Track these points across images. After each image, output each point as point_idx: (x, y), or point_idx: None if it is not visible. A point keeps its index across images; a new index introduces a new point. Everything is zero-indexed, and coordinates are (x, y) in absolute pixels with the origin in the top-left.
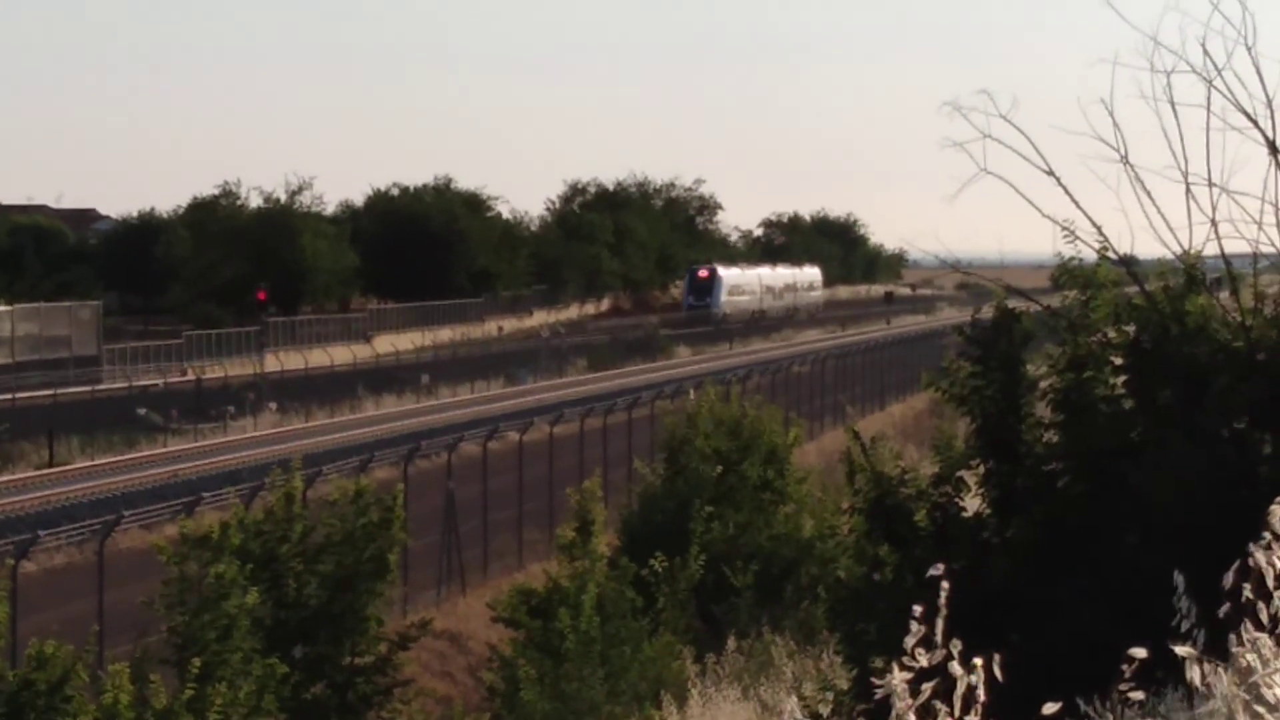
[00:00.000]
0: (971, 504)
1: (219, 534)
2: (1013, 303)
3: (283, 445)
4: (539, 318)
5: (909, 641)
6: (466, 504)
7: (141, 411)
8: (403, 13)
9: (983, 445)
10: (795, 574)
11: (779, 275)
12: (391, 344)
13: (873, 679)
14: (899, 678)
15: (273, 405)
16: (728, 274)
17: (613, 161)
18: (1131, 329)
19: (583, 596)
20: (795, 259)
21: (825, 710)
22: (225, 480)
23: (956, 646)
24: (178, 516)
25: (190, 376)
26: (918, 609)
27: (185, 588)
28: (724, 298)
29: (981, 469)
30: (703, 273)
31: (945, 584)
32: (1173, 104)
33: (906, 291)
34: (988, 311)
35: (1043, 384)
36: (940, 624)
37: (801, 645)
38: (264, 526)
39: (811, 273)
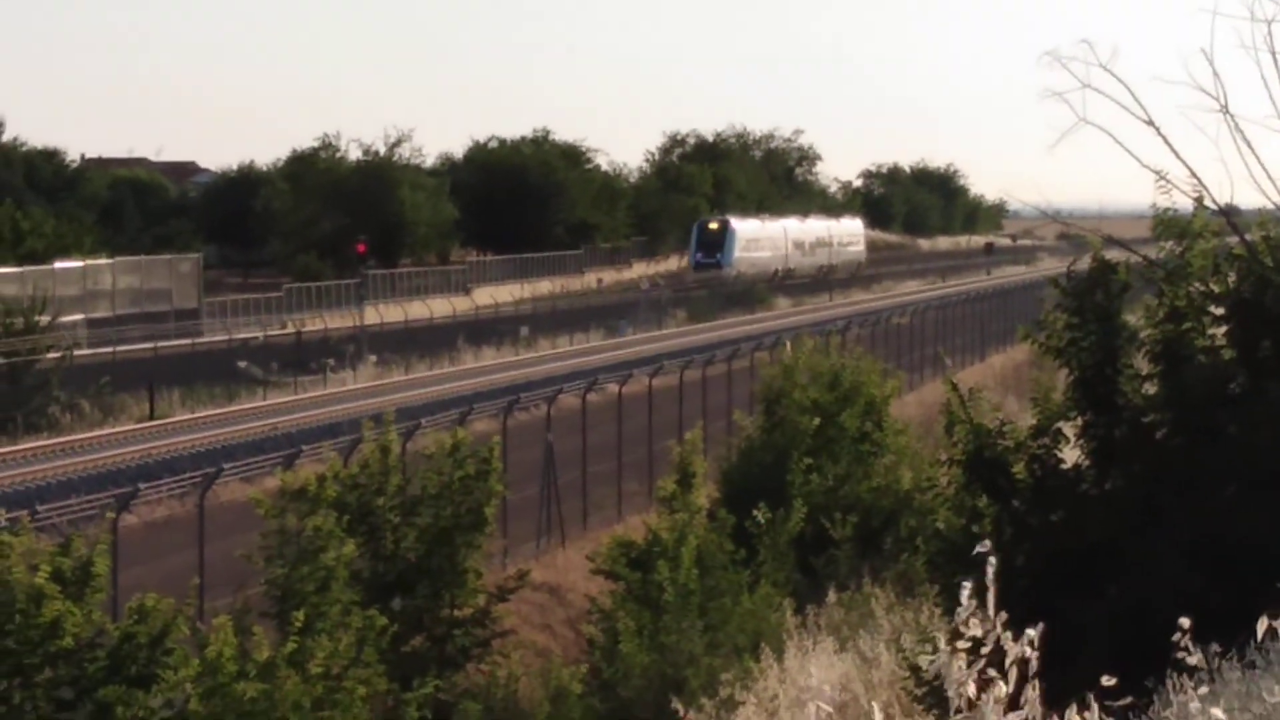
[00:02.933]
0: (1070, 456)
1: (317, 487)
2: (1111, 254)
3: (382, 398)
4: (638, 270)
5: (960, 614)
6: (565, 456)
7: (241, 364)
8: None
9: (1081, 397)
10: (894, 526)
11: (809, 228)
12: (491, 296)
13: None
14: (951, 654)
15: (372, 358)
16: (743, 226)
17: (712, 113)
18: (1231, 279)
19: (682, 549)
20: (836, 211)
21: (924, 662)
22: (325, 433)
23: (1002, 617)
24: (277, 469)
25: (290, 329)
26: (967, 585)
27: (284, 540)
28: (737, 254)
29: (1080, 421)
30: (713, 224)
31: (991, 559)
32: (1273, 53)
33: (1006, 242)
34: (1085, 263)
35: (1141, 335)
36: (990, 599)
37: (901, 597)
38: (361, 479)
39: (850, 226)
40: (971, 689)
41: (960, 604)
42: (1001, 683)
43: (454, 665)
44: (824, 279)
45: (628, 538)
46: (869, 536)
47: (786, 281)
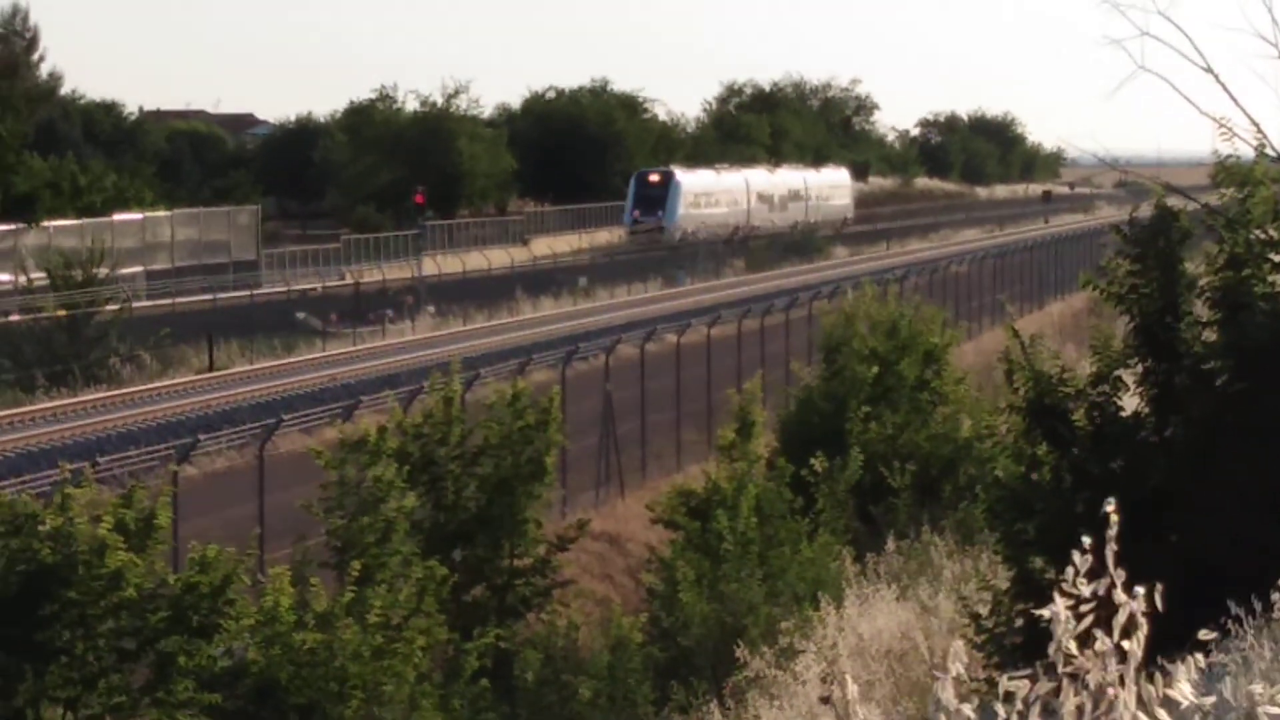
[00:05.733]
0: (1130, 403)
1: (377, 437)
2: (1171, 201)
3: (440, 349)
4: None
5: (1070, 572)
6: (624, 406)
7: (300, 315)
8: None
9: (1141, 344)
10: (953, 474)
11: (779, 180)
12: (549, 247)
13: (1035, 611)
14: (1061, 605)
15: (430, 309)
16: (690, 178)
17: (769, 62)
18: None
19: (741, 498)
20: (818, 161)
21: (984, 609)
22: (383, 384)
23: (1121, 577)
24: (336, 420)
25: (348, 280)
26: (1087, 541)
27: (344, 491)
28: (683, 210)
29: (1140, 368)
30: (653, 176)
31: (1115, 518)
32: None
33: (1064, 190)
34: (1146, 210)
35: (1201, 282)
36: (1110, 556)
37: (960, 545)
38: (422, 430)
39: (833, 176)
40: (1072, 645)
41: (1017, 552)
42: (1107, 637)
43: (514, 615)
44: (788, 240)
45: (687, 487)
46: (928, 485)
47: (748, 242)
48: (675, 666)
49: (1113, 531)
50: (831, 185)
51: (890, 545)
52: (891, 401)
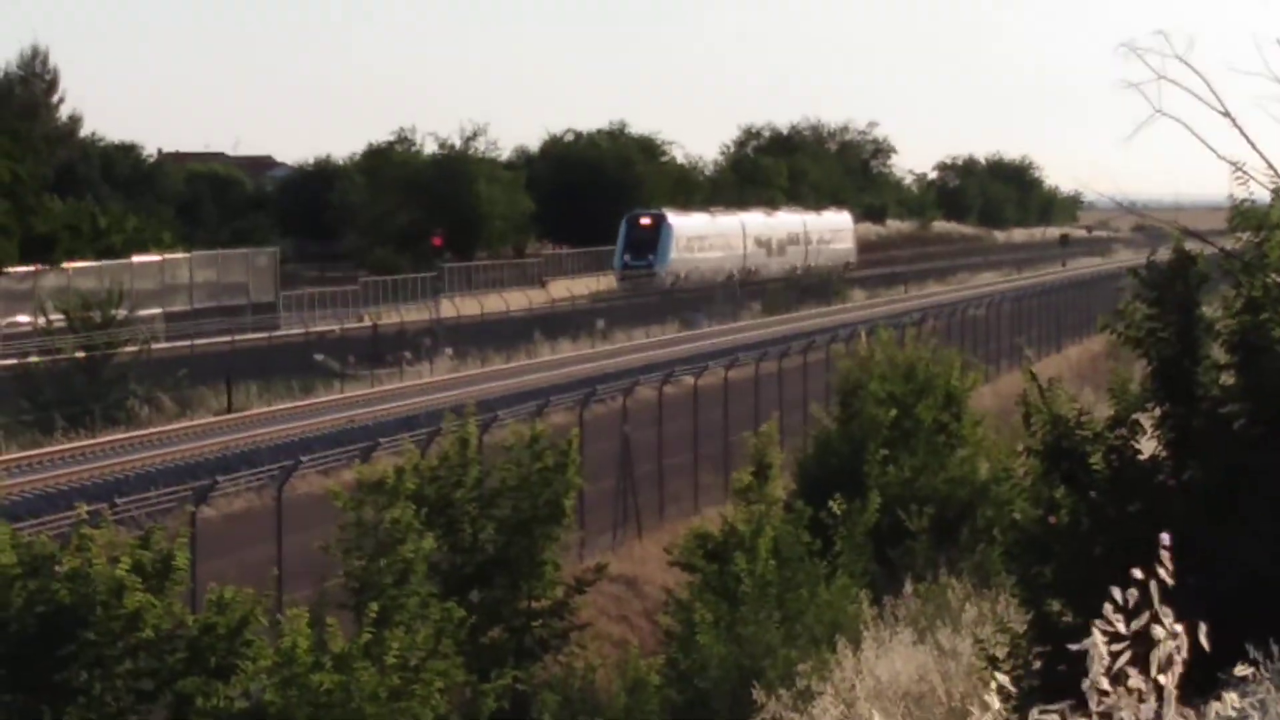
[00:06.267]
0: (1148, 447)
1: (395, 479)
2: (1188, 244)
3: (459, 390)
4: None
5: (1108, 609)
6: (642, 448)
7: (318, 357)
8: None
9: (1159, 388)
10: (971, 517)
11: (778, 223)
12: (566, 289)
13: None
14: (1099, 639)
15: (449, 351)
16: (683, 222)
17: (787, 105)
18: None
19: (759, 540)
20: (834, 204)
21: (1001, 653)
22: (401, 426)
23: (1168, 616)
24: (354, 462)
25: (366, 322)
26: (1138, 572)
27: (362, 533)
28: (675, 254)
29: (1157, 412)
30: (644, 219)
31: (1166, 554)
32: None
33: (1082, 234)
34: (1163, 254)
35: (1218, 326)
36: (1155, 590)
37: (977, 588)
38: (439, 472)
39: (835, 220)
40: (1105, 682)
41: (1035, 595)
42: (1139, 675)
43: (532, 657)
44: (806, 283)
45: (704, 529)
46: (945, 528)
47: (745, 286)
48: (692, 709)
49: (1166, 568)
50: (833, 229)
51: (908, 588)
52: (909, 444)
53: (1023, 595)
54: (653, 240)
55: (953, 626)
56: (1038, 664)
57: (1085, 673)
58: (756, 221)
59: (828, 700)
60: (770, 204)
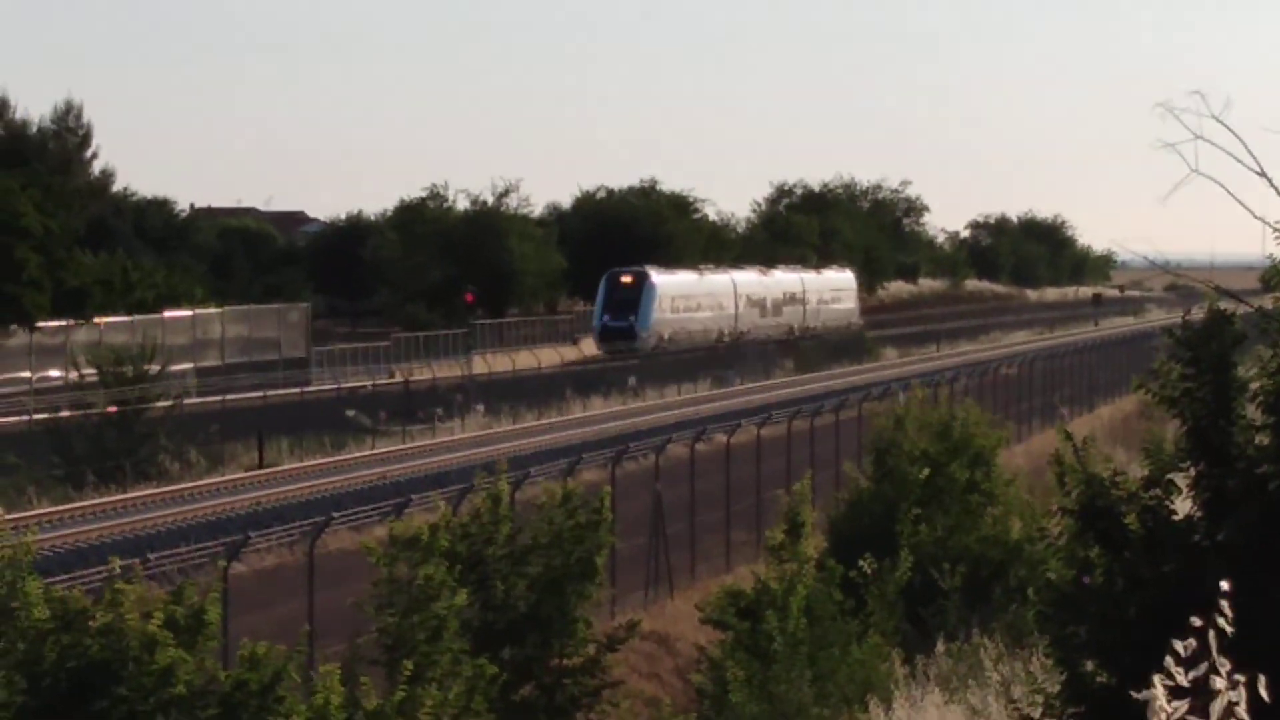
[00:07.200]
0: (1182, 507)
1: (428, 535)
2: (1223, 304)
3: (490, 447)
4: None
5: (1170, 661)
6: (674, 506)
7: (350, 413)
8: (605, 15)
9: (1194, 448)
10: (1004, 576)
11: (774, 282)
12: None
13: (1131, 692)
14: (1160, 691)
15: (480, 407)
16: (666, 280)
17: (819, 163)
18: None
19: (790, 598)
20: (833, 260)
21: (1035, 713)
22: (433, 482)
23: (1225, 666)
24: (386, 518)
25: (398, 378)
26: (1197, 621)
27: (394, 589)
28: (658, 315)
29: (1192, 471)
30: (625, 277)
31: (1226, 603)
32: None
33: (1114, 293)
34: (1199, 313)
35: (1254, 386)
36: (1213, 640)
37: (1010, 648)
38: (471, 529)
39: (837, 279)
40: None
41: (1069, 655)
42: None
43: (563, 714)
44: (806, 344)
45: (736, 587)
46: (978, 587)
47: (735, 348)
48: None
49: (1226, 617)
50: (834, 288)
51: (940, 647)
52: (942, 503)
53: (1056, 655)
54: (634, 300)
55: (984, 687)
56: None
57: None
58: (749, 280)
59: None
60: (802, 262)
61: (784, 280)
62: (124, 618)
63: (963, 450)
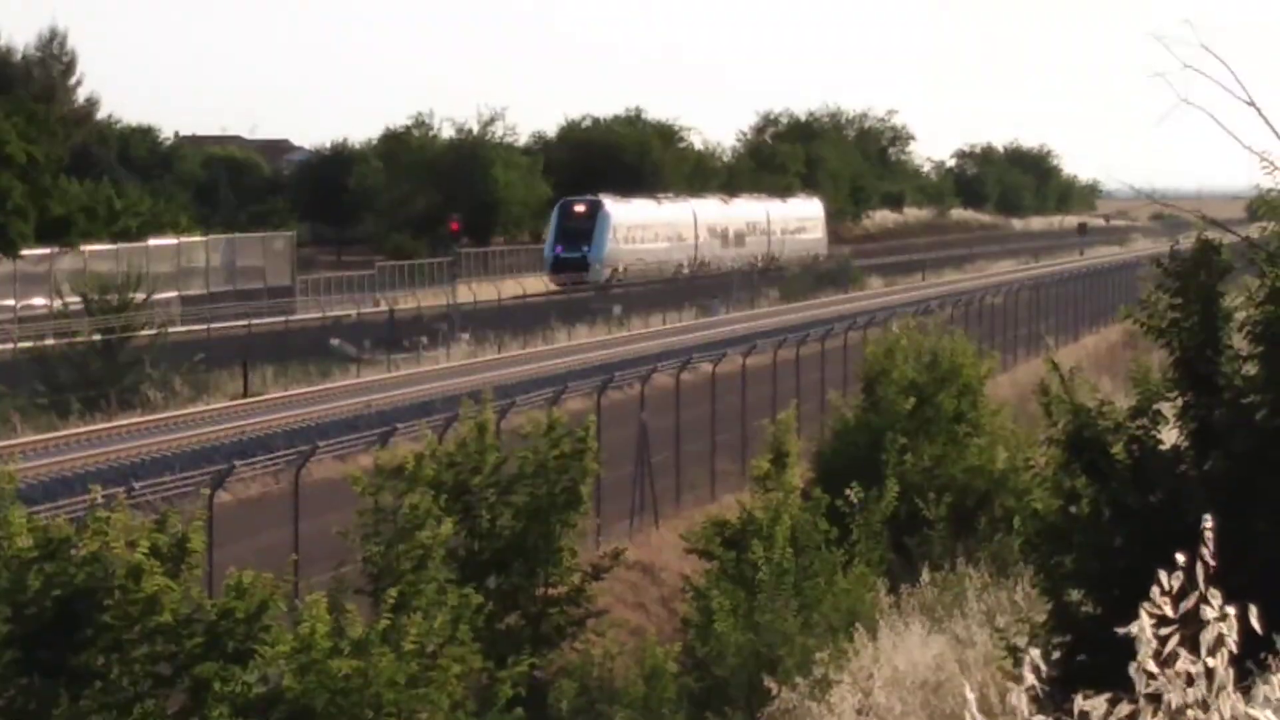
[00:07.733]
0: (1169, 437)
1: (413, 465)
2: (1210, 234)
3: (475, 376)
4: None
5: (1155, 592)
6: (659, 435)
7: (335, 342)
8: None
9: (1181, 378)
10: (989, 506)
11: (735, 211)
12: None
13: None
14: (1146, 623)
15: (465, 336)
16: (621, 209)
17: (805, 92)
18: None
19: (776, 528)
20: (819, 189)
21: (1021, 642)
22: (418, 411)
23: (1217, 598)
24: (372, 447)
25: (383, 307)
26: (1181, 557)
27: (380, 518)
28: (612, 245)
29: (1179, 402)
30: (578, 206)
31: (1210, 534)
32: None
33: (1100, 223)
34: (1186, 243)
35: (1241, 316)
36: (1200, 572)
37: (995, 578)
38: (457, 458)
39: (802, 208)
40: (1152, 665)
41: (1055, 585)
42: (1190, 656)
43: (549, 644)
44: (764, 275)
45: (722, 517)
46: (963, 517)
47: (695, 280)
48: (709, 697)
49: (1209, 549)
50: (800, 218)
51: (925, 577)
52: (929, 433)
53: (1043, 585)
54: (587, 229)
55: (969, 616)
56: (1057, 654)
57: (1106, 662)
58: (711, 210)
59: (845, 689)
60: (786, 190)
61: (747, 210)
62: (108, 546)
63: (951, 380)
